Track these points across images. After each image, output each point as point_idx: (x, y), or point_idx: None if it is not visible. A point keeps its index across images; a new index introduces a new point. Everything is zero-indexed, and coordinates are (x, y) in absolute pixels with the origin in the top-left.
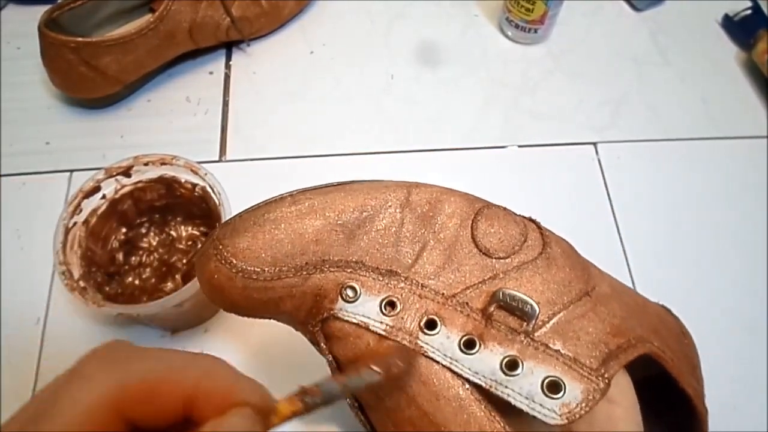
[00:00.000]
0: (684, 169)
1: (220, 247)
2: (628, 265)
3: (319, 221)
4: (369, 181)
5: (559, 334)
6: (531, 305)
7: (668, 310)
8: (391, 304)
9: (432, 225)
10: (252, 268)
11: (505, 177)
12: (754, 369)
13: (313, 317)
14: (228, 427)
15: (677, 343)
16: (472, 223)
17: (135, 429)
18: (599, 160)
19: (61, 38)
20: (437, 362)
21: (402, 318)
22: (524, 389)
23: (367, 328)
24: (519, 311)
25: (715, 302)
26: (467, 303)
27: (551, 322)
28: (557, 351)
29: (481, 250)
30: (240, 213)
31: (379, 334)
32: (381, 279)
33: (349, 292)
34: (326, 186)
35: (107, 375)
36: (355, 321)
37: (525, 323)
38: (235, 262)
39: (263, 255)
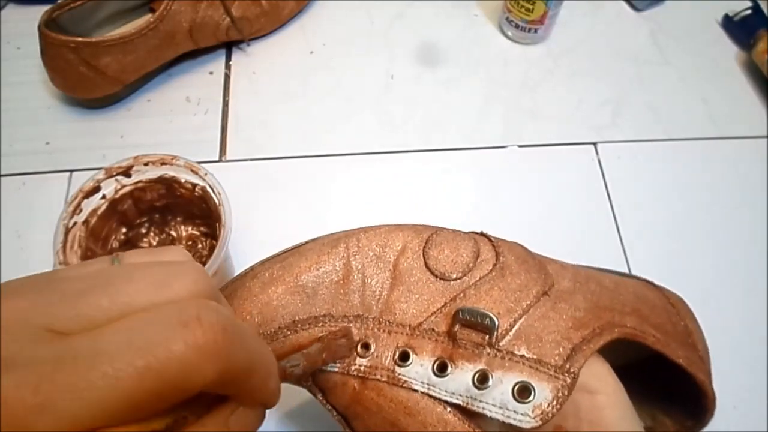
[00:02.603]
0: (684, 169)
1: None
2: (627, 264)
3: (280, 287)
4: (320, 237)
5: (522, 339)
6: (490, 317)
7: (650, 283)
8: (366, 346)
9: (386, 263)
10: None
11: (505, 177)
12: (754, 369)
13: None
14: (239, 413)
15: (662, 317)
16: (423, 253)
17: None
18: (599, 160)
19: (61, 38)
20: (416, 391)
21: (377, 356)
22: (497, 399)
23: (348, 374)
24: (480, 326)
25: (715, 302)
26: (433, 329)
27: (513, 330)
28: (522, 356)
29: (437, 276)
30: None
31: (361, 377)
32: (350, 325)
33: None
34: (282, 253)
35: (216, 364)
36: (336, 370)
37: (488, 336)
38: None
39: None
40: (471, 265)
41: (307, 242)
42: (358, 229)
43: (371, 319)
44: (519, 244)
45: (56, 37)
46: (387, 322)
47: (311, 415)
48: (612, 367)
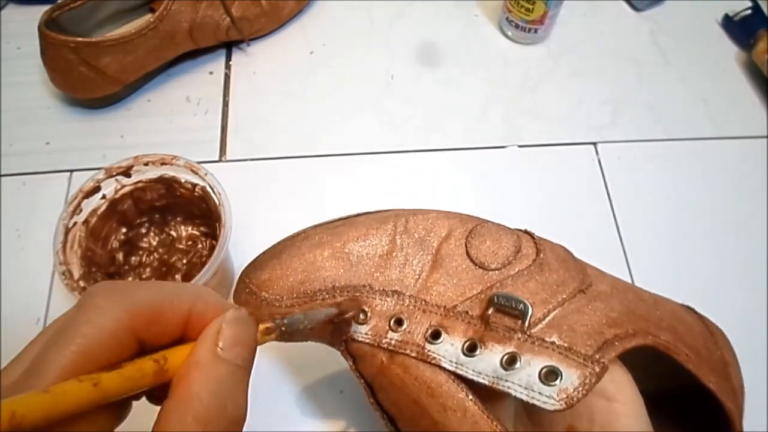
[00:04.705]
0: (684, 169)
1: (246, 280)
2: (627, 264)
3: (327, 251)
4: (372, 212)
5: (554, 328)
6: (524, 303)
7: (691, 310)
8: (399, 322)
9: (429, 247)
10: (273, 297)
11: (505, 177)
12: (754, 369)
13: (338, 338)
14: (230, 317)
15: (698, 341)
16: (465, 242)
17: (143, 347)
18: (599, 160)
19: (61, 38)
20: (444, 369)
21: (409, 332)
22: (523, 380)
23: (379, 346)
24: (514, 311)
25: (715, 302)
26: (467, 311)
27: (547, 319)
28: (552, 342)
29: (476, 264)
30: (263, 251)
31: (390, 350)
32: (388, 299)
33: (361, 315)
34: (334, 221)
35: (117, 303)
36: (368, 341)
37: (520, 321)
38: (259, 292)
39: (281, 284)
40: (511, 258)
41: (358, 214)
42: (407, 210)
43: (408, 296)
44: (561, 246)
45: (56, 37)
46: (423, 302)
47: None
48: None
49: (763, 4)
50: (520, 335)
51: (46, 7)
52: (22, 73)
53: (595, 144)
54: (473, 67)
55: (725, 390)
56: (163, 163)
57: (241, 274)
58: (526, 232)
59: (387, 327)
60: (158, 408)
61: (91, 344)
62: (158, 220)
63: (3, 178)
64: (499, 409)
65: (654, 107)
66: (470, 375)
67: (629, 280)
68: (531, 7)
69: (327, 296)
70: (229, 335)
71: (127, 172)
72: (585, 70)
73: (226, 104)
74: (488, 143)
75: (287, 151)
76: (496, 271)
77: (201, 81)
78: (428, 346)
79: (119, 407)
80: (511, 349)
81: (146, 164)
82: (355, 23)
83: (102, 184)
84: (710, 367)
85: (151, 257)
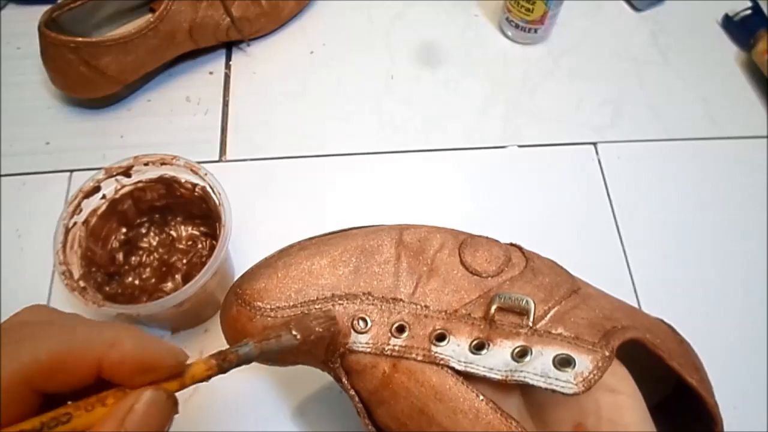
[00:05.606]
0: (684, 169)
1: (239, 291)
2: (627, 265)
3: (325, 260)
4: (365, 226)
5: (558, 322)
6: (527, 300)
7: (662, 321)
8: (400, 329)
9: (424, 258)
10: (269, 306)
11: (505, 177)
12: (754, 369)
13: (332, 354)
14: (146, 398)
15: (674, 344)
16: (459, 252)
17: (48, 397)
18: (599, 160)
19: (61, 38)
20: (451, 371)
21: (413, 337)
22: (538, 369)
23: (382, 354)
24: (518, 308)
25: (715, 302)
26: (469, 314)
27: (549, 315)
28: (560, 334)
29: (471, 272)
30: (255, 264)
31: (394, 357)
32: (388, 306)
33: (361, 324)
34: (328, 234)
35: (14, 355)
36: (369, 351)
37: (525, 317)
38: (253, 303)
39: (278, 293)
40: (503, 266)
41: (351, 228)
42: (401, 224)
43: (408, 303)
44: (547, 258)
45: (56, 37)
46: (424, 307)
47: (322, 413)
48: None
49: (763, 4)
50: (526, 330)
51: (46, 7)
52: (22, 73)
53: (595, 144)
54: (473, 67)
55: (705, 387)
56: (163, 163)
57: (232, 286)
58: (512, 244)
59: (389, 334)
60: None
61: None
62: (158, 220)
63: (3, 178)
64: (503, 399)
65: (654, 107)
66: (482, 372)
67: (629, 281)
68: (531, 7)
69: (325, 305)
70: (137, 418)
71: (127, 172)
72: (585, 70)
73: (226, 104)
74: (488, 143)
75: (287, 151)
76: (491, 278)
77: (201, 81)
78: (434, 348)
79: None
80: (520, 342)
81: (146, 164)
82: (355, 23)
83: (102, 184)
84: (689, 368)
85: (151, 257)
